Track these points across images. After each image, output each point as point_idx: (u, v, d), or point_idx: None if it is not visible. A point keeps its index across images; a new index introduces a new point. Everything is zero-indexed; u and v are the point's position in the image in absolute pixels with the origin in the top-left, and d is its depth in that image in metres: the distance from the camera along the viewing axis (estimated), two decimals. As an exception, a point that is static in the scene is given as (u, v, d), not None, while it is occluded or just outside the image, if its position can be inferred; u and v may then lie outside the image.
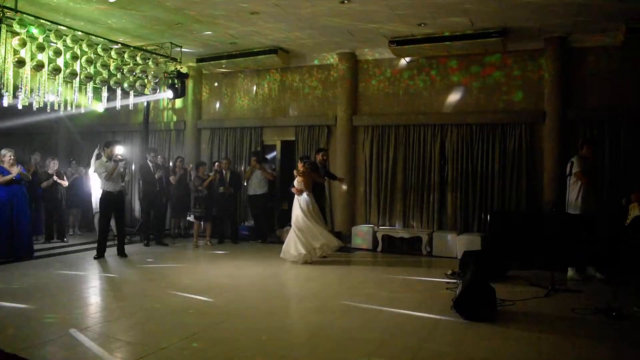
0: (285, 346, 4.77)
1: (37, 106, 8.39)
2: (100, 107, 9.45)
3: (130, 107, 9.89)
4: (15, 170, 8.66)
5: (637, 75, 9.05)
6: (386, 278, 7.81)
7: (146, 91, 9.86)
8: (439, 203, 10.42)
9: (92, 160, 10.53)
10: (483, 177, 10.02)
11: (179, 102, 12.62)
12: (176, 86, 10.35)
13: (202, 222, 10.71)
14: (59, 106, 8.77)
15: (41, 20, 7.71)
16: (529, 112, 9.74)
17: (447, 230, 10.16)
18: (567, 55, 9.48)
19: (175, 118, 13.24)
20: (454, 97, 10.37)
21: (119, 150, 9.13)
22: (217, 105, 12.80)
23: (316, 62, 11.61)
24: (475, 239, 9.43)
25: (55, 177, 10.37)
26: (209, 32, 9.81)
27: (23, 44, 7.42)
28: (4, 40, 7.31)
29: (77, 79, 8.47)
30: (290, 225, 8.98)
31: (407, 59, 10.63)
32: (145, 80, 9.78)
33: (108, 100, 9.38)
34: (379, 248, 10.31)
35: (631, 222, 6.15)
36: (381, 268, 8.86)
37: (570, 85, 9.48)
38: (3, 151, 8.76)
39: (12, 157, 8.75)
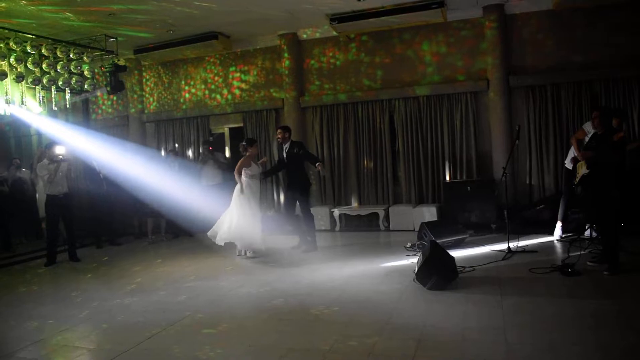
0: (254, 333, 4.71)
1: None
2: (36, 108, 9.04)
3: (67, 105, 9.48)
4: None
5: (572, 37, 9.29)
6: (347, 257, 7.82)
7: (86, 86, 9.46)
8: (393, 178, 10.51)
9: (35, 163, 10.07)
10: (433, 148, 10.13)
11: (119, 96, 12.21)
12: (114, 80, 9.98)
13: (155, 218, 10.42)
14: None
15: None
16: (473, 81, 9.87)
17: (402, 204, 10.26)
18: (506, 22, 9.63)
19: (117, 113, 12.82)
20: (398, 70, 10.41)
21: (60, 150, 8.73)
22: (160, 96, 12.46)
23: (258, 46, 11.42)
24: (431, 210, 9.56)
25: None
26: (144, 21, 9.49)
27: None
28: None
29: (7, 79, 8.05)
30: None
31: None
32: (80, 76, 9.38)
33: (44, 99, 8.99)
34: (337, 227, 10.34)
35: (580, 181, 6.37)
36: (340, 247, 8.88)
37: (511, 53, 9.65)
38: None
39: None
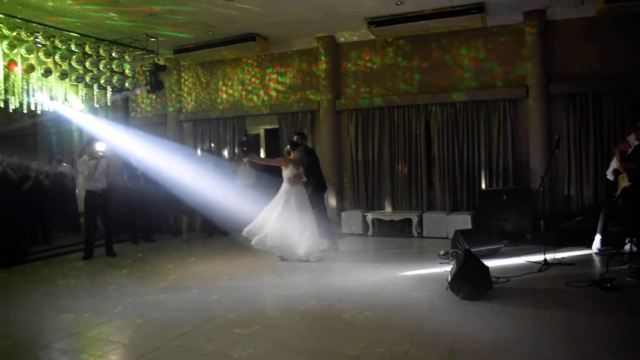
0: (285, 336, 4.73)
1: (13, 108, 8.21)
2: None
3: (108, 102, 9.69)
4: None
5: (616, 45, 9.06)
6: (379, 262, 7.79)
7: (127, 85, 9.65)
8: (427, 184, 10.42)
9: (75, 159, 10.33)
10: (470, 155, 10.02)
11: (158, 95, 12.43)
12: (154, 79, 10.17)
13: (190, 216, 10.56)
14: (36, 106, 8.58)
15: (10, 18, 7.51)
16: (511, 88, 9.72)
17: (436, 211, 10.16)
18: (547, 28, 9.46)
19: (156, 112, 13.06)
20: (436, 75, 10.32)
21: (100, 147, 8.95)
22: (198, 96, 12.64)
23: (296, 48, 11.48)
24: (465, 217, 9.45)
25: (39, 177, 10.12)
26: (184, 21, 9.65)
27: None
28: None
29: (51, 76, 8.28)
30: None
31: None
32: (121, 75, 9.57)
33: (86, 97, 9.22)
34: (370, 232, 10.30)
35: (621, 193, 6.20)
36: (373, 252, 8.86)
37: (552, 59, 9.47)
38: None
39: None
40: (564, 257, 7.22)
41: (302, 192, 8.09)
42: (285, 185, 8.02)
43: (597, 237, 7.67)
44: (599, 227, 7.68)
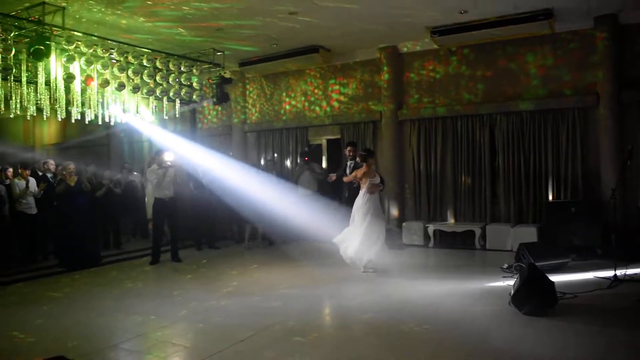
0: (342, 346, 4.76)
1: (89, 119, 8.69)
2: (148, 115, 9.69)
3: (177, 114, 10.07)
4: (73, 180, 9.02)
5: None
6: (440, 274, 7.69)
7: (194, 97, 10.00)
8: (491, 195, 10.19)
9: (145, 168, 10.80)
10: (536, 166, 9.71)
11: (224, 107, 12.80)
12: (220, 91, 10.49)
13: (253, 225, 10.77)
14: (110, 118, 9.05)
15: (88, 36, 7.96)
16: (581, 96, 9.37)
17: (500, 223, 9.92)
18: (619, 33, 9.08)
19: (221, 123, 13.45)
20: (501, 84, 10.11)
21: (168, 156, 9.34)
22: (262, 107, 12.92)
23: (358, 59, 11.55)
24: (531, 230, 9.17)
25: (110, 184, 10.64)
26: (249, 35, 9.92)
27: (72, 59, 7.67)
28: (54, 57, 7.59)
29: (124, 89, 8.71)
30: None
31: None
32: (189, 88, 9.92)
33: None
34: (431, 244, 10.17)
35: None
36: (433, 264, 8.74)
37: (625, 66, 9.08)
38: (65, 163, 9.15)
39: (73, 167, 9.12)
40: (635, 274, 6.86)
41: (378, 201, 8.10)
42: (364, 194, 7.97)
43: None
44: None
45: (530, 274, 5.59)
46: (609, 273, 6.75)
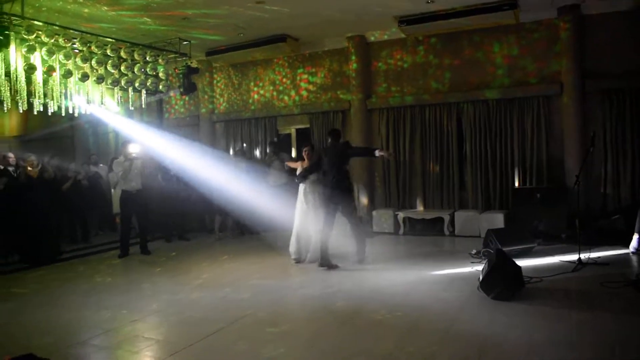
0: (315, 335, 4.77)
1: (52, 111, 8.45)
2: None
3: (143, 105, 9.89)
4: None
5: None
6: (410, 261, 7.76)
7: (161, 87, 9.83)
8: (459, 182, 10.33)
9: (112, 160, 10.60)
10: (503, 153, 9.88)
11: (191, 97, 12.63)
12: (186, 81, 10.33)
13: (223, 216, 10.69)
14: (73, 109, 8.82)
15: (49, 25, 7.73)
16: (545, 84, 9.55)
17: (468, 210, 10.07)
18: (582, 23, 9.26)
19: (189, 113, 13.27)
20: (468, 73, 10.22)
21: (134, 148, 9.17)
22: (230, 97, 12.79)
23: (326, 48, 11.51)
24: (498, 216, 9.34)
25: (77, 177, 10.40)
26: (216, 24, 9.78)
27: (32, 49, 7.44)
28: (14, 48, 7.35)
29: (88, 80, 8.50)
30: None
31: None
32: (155, 78, 9.74)
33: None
34: (401, 231, 10.27)
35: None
36: (404, 251, 8.82)
37: (587, 55, 9.27)
38: (25, 155, 8.90)
39: (34, 159, 8.88)
40: (599, 257, 7.06)
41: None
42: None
43: (635, 237, 7.47)
44: (636, 227, 7.48)
45: (498, 259, 5.69)
46: (574, 257, 6.94)
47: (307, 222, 7.78)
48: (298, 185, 8.02)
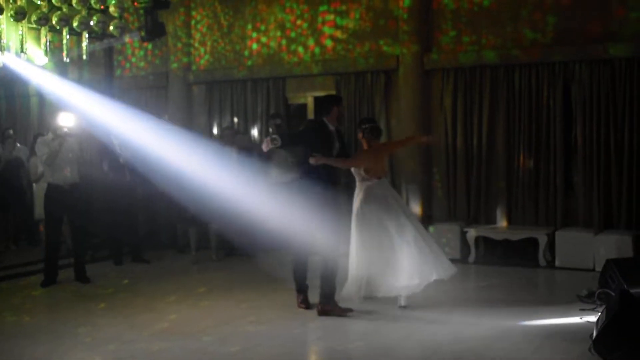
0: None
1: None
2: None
3: (84, 55, 9.97)
4: None
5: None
6: (484, 305, 7.76)
7: (111, 29, 9.89)
8: (564, 185, 10.29)
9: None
10: (634, 141, 9.78)
11: (157, 45, 12.72)
12: (150, 21, 10.40)
13: (200, 228, 10.75)
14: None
15: None
16: None
17: (578, 228, 10.04)
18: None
19: (153, 69, 13.37)
20: (581, 17, 10.13)
21: (67, 120, 9.10)
22: (215, 46, 12.86)
23: (363, -24, 11.56)
24: (624, 239, 9.31)
25: None
26: None
27: None
28: None
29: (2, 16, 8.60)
30: None
31: None
32: (103, 15, 9.81)
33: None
34: (471, 257, 10.29)
35: None
36: (475, 289, 8.81)
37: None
38: None
39: None
40: None
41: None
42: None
43: None
44: None
45: (622, 306, 5.65)
46: None
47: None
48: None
